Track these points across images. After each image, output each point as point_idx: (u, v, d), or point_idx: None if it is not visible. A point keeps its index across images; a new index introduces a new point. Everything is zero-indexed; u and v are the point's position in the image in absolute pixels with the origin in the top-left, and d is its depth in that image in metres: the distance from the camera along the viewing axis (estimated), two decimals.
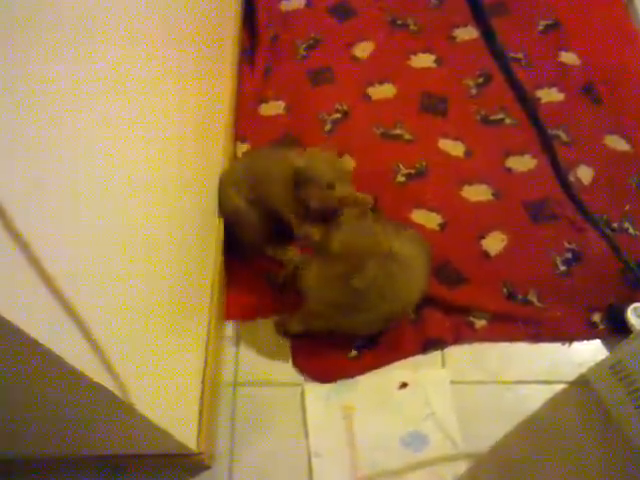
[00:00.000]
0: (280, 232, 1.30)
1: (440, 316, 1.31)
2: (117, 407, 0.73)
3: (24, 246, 0.48)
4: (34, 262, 0.49)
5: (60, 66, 0.54)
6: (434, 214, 1.44)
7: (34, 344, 0.50)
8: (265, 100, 1.66)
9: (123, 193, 0.72)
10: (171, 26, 0.99)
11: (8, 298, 0.46)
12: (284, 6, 1.87)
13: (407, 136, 1.57)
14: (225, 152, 1.45)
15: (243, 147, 1.56)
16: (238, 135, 1.58)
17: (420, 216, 1.43)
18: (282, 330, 1.30)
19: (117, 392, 0.68)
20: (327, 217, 1.19)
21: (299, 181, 1.21)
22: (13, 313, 0.46)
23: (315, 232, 1.18)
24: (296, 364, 1.27)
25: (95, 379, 0.62)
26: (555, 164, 0.79)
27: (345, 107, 1.63)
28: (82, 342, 0.60)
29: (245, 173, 1.33)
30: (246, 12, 1.83)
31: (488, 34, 0.57)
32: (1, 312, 0.45)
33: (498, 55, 0.59)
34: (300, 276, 1.19)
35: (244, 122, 1.61)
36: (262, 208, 1.28)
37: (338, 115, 1.62)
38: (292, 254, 1.36)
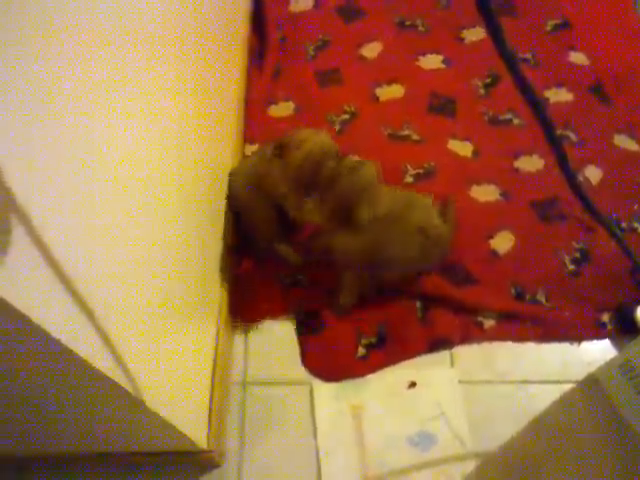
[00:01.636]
0: (286, 226, 1.31)
1: (449, 316, 1.31)
2: (128, 403, 0.73)
3: (43, 246, 0.49)
4: (51, 261, 0.50)
5: (75, 68, 0.55)
6: None
7: (47, 337, 0.52)
8: (274, 102, 1.67)
9: (134, 192, 0.73)
10: (181, 29, 1.00)
11: (28, 297, 0.47)
12: (293, 7, 1.88)
13: (415, 136, 1.57)
14: (234, 154, 1.46)
15: (252, 149, 1.57)
16: (247, 137, 1.59)
17: None
18: (340, 309, 1.31)
19: (129, 388, 0.69)
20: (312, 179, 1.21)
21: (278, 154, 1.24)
22: (32, 311, 0.48)
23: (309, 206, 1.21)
24: (305, 363, 1.28)
25: (108, 374, 0.63)
26: (564, 164, 0.79)
27: (353, 108, 1.64)
28: (95, 338, 0.61)
29: (252, 168, 1.35)
30: (255, 14, 1.84)
31: (497, 36, 0.58)
32: (23, 309, 0.46)
33: (507, 57, 0.60)
34: (329, 248, 1.23)
35: (253, 124, 1.61)
36: (269, 200, 1.30)
37: (346, 116, 1.62)
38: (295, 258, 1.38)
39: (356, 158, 1.24)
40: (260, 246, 1.37)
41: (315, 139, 1.23)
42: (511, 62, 0.61)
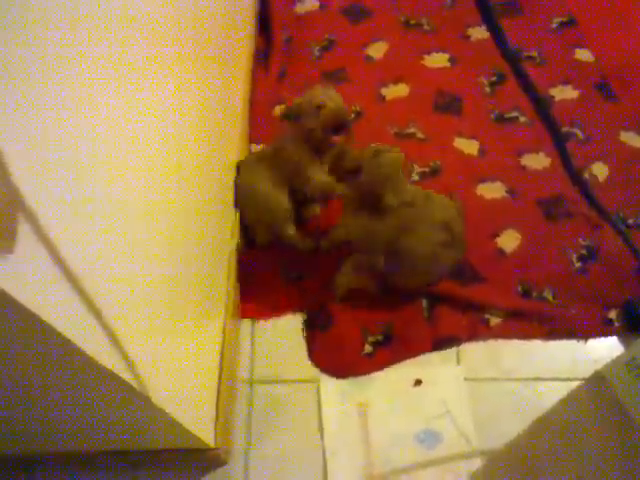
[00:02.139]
0: (295, 212, 1.35)
1: (455, 314, 1.31)
2: (134, 399, 0.74)
3: (50, 244, 0.50)
4: (56, 258, 0.51)
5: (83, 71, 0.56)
6: None
7: (55, 334, 0.52)
8: (280, 102, 1.68)
9: (140, 191, 0.74)
10: (185, 29, 1.00)
11: (37, 295, 0.48)
12: (299, 8, 1.89)
13: (420, 135, 1.58)
14: (240, 153, 1.48)
15: (257, 149, 1.58)
16: (252, 137, 1.60)
17: None
18: (339, 293, 1.33)
19: (134, 383, 0.70)
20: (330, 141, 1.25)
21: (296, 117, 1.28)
22: (41, 309, 0.49)
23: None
24: (312, 360, 1.28)
25: (113, 370, 0.64)
26: (566, 161, 0.79)
27: (359, 107, 1.65)
28: (101, 335, 0.61)
29: (262, 153, 1.40)
30: (261, 15, 1.85)
31: (499, 37, 0.58)
32: (32, 308, 0.48)
33: (509, 56, 0.60)
34: (337, 232, 1.27)
35: (259, 124, 1.62)
36: (280, 178, 1.32)
37: (352, 115, 1.63)
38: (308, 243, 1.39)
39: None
40: (267, 235, 1.39)
41: (326, 95, 1.27)
42: (513, 61, 0.61)
